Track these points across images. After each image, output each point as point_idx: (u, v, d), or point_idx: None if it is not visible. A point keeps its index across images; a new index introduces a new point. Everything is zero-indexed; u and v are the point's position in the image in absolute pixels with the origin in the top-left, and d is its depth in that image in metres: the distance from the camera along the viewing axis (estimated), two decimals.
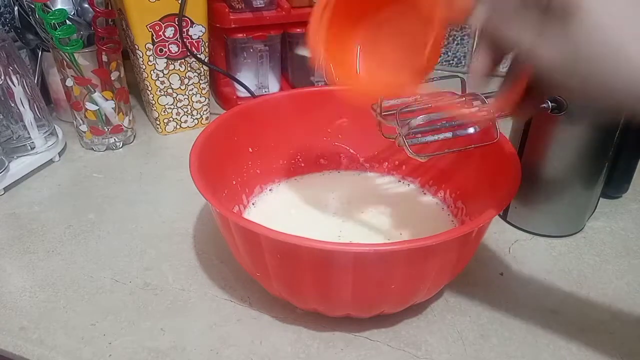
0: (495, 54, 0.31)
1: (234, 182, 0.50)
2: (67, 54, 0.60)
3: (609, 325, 0.42)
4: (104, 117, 0.66)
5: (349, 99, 0.42)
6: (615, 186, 0.53)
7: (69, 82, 0.63)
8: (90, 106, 0.65)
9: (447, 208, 0.51)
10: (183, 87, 0.71)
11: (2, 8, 0.72)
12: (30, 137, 0.62)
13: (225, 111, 0.58)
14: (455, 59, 0.93)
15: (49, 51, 0.68)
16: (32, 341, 0.41)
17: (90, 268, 0.48)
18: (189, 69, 0.70)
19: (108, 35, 0.62)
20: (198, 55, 0.69)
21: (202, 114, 0.74)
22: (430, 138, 0.41)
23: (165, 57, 0.67)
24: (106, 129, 0.67)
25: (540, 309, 0.44)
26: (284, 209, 0.52)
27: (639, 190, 0.58)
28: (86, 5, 0.62)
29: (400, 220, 0.50)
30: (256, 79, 0.76)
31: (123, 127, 0.68)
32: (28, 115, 0.61)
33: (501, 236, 0.52)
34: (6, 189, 0.60)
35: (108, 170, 0.64)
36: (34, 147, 0.63)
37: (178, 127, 0.74)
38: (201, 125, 0.75)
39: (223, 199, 0.47)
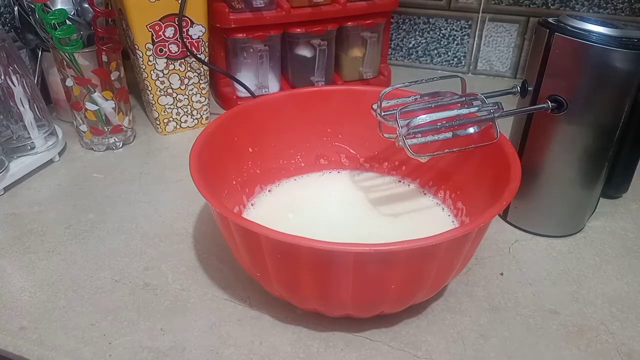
0: None
1: (234, 182, 0.50)
2: (67, 54, 0.60)
3: (609, 325, 0.42)
4: (104, 117, 0.66)
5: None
6: (615, 186, 0.53)
7: (69, 82, 0.63)
8: (90, 106, 0.65)
9: (447, 208, 0.51)
10: (183, 87, 0.71)
11: (2, 8, 0.72)
12: (30, 137, 0.62)
13: (225, 111, 0.58)
14: (455, 59, 0.93)
15: (49, 51, 0.68)
16: (32, 341, 0.41)
17: (90, 268, 0.48)
18: (189, 69, 0.70)
19: (108, 35, 0.62)
20: (198, 55, 0.69)
21: (202, 114, 0.74)
22: (430, 138, 0.41)
23: (165, 57, 0.67)
24: (106, 129, 0.67)
25: (540, 309, 0.44)
26: (283, 209, 0.52)
27: (639, 190, 0.58)
28: (86, 5, 0.62)
29: (400, 221, 0.50)
30: (256, 79, 0.76)
31: (123, 127, 0.68)
32: (28, 115, 0.61)
33: (501, 236, 0.52)
34: (6, 189, 0.60)
35: (108, 170, 0.64)
36: (34, 147, 0.63)
37: (178, 127, 0.74)
38: (201, 125, 0.75)
39: (223, 199, 0.47)
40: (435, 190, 0.53)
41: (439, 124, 0.41)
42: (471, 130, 0.43)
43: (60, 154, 0.67)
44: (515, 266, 0.48)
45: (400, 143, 0.40)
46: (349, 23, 0.76)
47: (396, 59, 0.97)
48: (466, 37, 0.90)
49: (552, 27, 0.44)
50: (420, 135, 0.41)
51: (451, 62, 0.93)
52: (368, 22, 0.76)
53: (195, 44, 0.68)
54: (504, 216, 0.54)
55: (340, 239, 0.33)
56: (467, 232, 0.35)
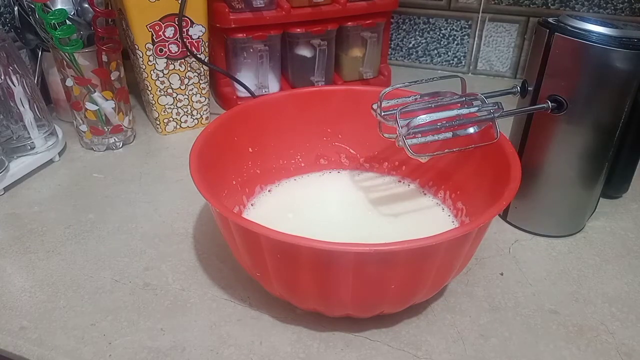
0: None
1: (234, 182, 0.50)
2: (67, 54, 0.60)
3: (609, 325, 0.42)
4: (104, 117, 0.66)
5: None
6: (615, 186, 0.53)
7: (69, 82, 0.63)
8: (90, 106, 0.65)
9: (447, 208, 0.51)
10: (183, 87, 0.71)
11: (2, 8, 0.72)
12: (30, 137, 0.62)
13: (225, 111, 0.58)
14: (455, 59, 0.93)
15: (49, 51, 0.68)
16: (32, 341, 0.41)
17: (90, 268, 0.48)
18: (189, 69, 0.70)
19: (108, 35, 0.62)
20: (198, 55, 0.69)
21: (202, 114, 0.74)
22: (430, 138, 0.41)
23: (165, 57, 0.67)
24: (106, 129, 0.67)
25: (540, 309, 0.44)
26: (283, 209, 0.52)
27: (639, 190, 0.58)
28: (86, 5, 0.62)
29: (400, 221, 0.50)
30: (256, 79, 0.76)
31: (123, 127, 0.68)
32: (28, 115, 0.61)
33: (501, 236, 0.52)
34: (6, 189, 0.60)
35: (108, 170, 0.64)
36: (34, 147, 0.63)
37: (178, 127, 0.74)
38: (201, 125, 0.75)
39: (223, 199, 0.47)
40: (435, 190, 0.53)
41: (439, 124, 0.41)
42: (471, 130, 0.43)
43: (60, 154, 0.67)
44: (515, 266, 0.48)
45: (400, 143, 0.40)
46: (349, 23, 0.76)
47: (396, 59, 0.97)
48: (466, 37, 0.90)
49: (552, 27, 0.44)
50: (420, 135, 0.41)
51: (451, 62, 0.93)
52: (368, 22, 0.76)
53: (195, 44, 0.68)
54: (504, 216, 0.54)
55: (340, 239, 0.33)
56: (467, 232, 0.35)
